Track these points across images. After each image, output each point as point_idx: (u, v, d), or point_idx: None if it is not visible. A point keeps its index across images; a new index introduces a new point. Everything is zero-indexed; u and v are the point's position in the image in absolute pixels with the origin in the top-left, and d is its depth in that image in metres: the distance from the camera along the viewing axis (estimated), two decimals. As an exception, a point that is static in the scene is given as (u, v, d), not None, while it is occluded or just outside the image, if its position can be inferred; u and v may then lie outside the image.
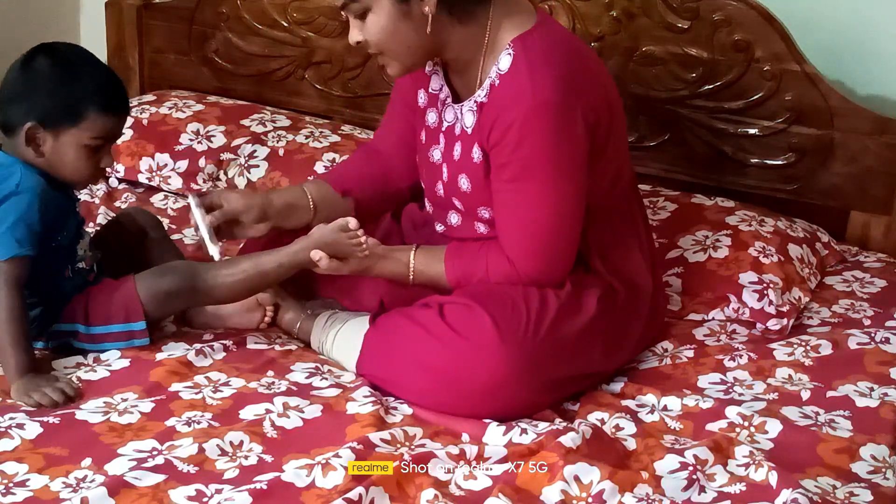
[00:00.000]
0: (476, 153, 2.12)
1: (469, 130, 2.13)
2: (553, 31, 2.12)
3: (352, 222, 2.14)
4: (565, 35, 2.17)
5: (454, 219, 2.25)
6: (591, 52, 2.18)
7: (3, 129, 2.10)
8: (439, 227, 2.29)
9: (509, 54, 2.05)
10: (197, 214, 2.16)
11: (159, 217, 2.55)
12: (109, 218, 2.64)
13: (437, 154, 2.22)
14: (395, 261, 2.18)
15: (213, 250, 2.14)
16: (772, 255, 2.48)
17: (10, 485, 1.77)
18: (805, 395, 2.12)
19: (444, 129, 2.20)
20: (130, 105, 2.21)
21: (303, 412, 2.00)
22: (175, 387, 2.05)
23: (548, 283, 2.11)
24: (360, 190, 2.34)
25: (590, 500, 1.79)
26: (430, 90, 2.23)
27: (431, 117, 2.23)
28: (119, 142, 2.92)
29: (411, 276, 2.18)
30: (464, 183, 2.16)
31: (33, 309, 2.09)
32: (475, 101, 2.11)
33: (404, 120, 2.32)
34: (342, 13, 2.09)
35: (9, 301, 2.01)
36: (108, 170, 2.18)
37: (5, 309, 2.00)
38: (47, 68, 2.06)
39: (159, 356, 2.13)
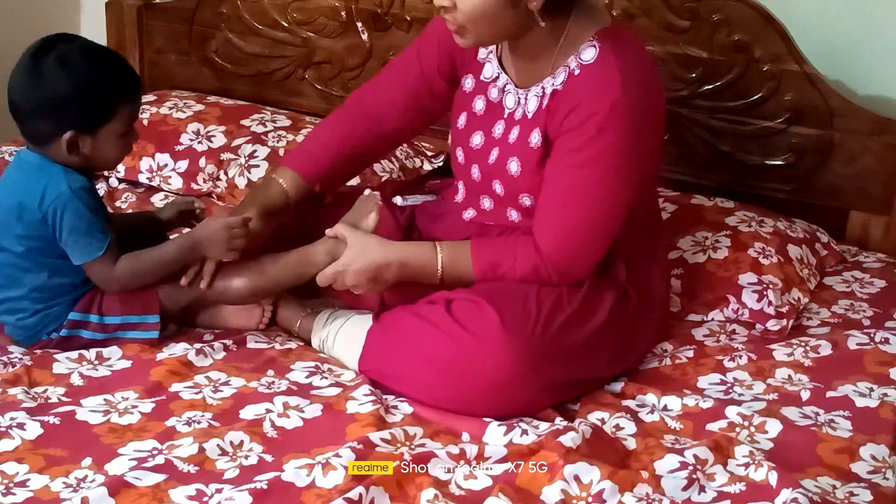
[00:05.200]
0: (535, 138, 2.12)
1: (530, 115, 2.13)
2: (631, 34, 2.14)
3: (366, 192, 2.27)
4: (639, 38, 2.18)
5: (487, 204, 2.25)
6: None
7: (34, 140, 2.14)
8: (467, 214, 2.29)
9: (594, 46, 2.06)
10: None
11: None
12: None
13: (477, 139, 2.22)
14: (421, 255, 2.16)
15: None
16: (771, 256, 2.48)
17: (11, 485, 1.77)
18: (805, 395, 2.12)
19: (505, 115, 2.19)
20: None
21: (303, 412, 2.00)
22: (175, 387, 2.05)
23: (570, 277, 2.11)
24: (333, 175, 2.38)
25: (590, 499, 1.79)
26: (481, 77, 2.22)
27: (479, 104, 2.23)
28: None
29: (440, 272, 2.15)
30: (513, 166, 2.15)
31: (56, 303, 2.15)
32: (543, 88, 2.11)
33: (415, 90, 2.32)
34: None
35: (130, 267, 2.13)
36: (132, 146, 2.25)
37: (141, 270, 2.14)
38: (64, 77, 2.07)
39: (160, 356, 2.13)
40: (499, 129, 2.20)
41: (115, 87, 2.12)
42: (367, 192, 2.28)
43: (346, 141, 2.36)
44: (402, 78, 2.36)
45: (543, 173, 2.11)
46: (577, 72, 2.07)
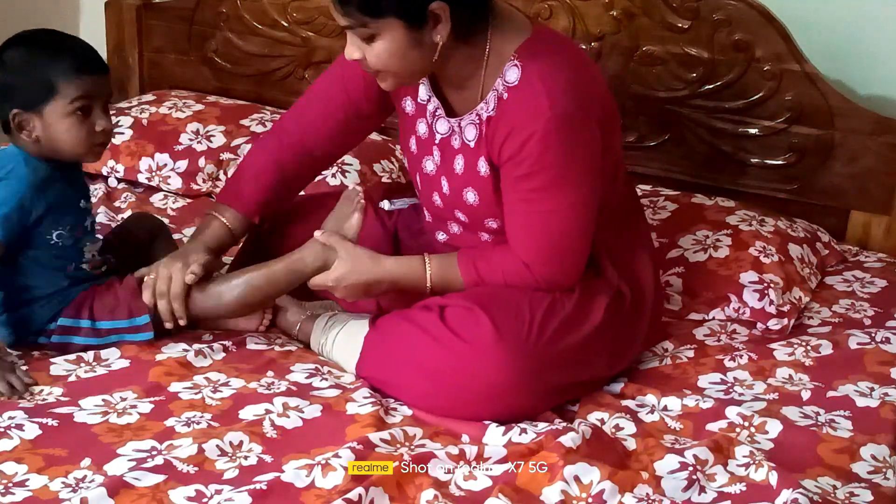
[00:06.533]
0: (483, 167, 2.09)
1: (472, 144, 2.10)
2: (553, 38, 2.11)
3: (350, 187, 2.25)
4: (563, 39, 2.15)
5: (455, 228, 2.23)
6: (582, 50, 2.18)
7: (4, 128, 2.13)
8: (441, 237, 2.27)
9: (516, 66, 2.02)
10: None
11: (160, 217, 2.56)
12: (112, 219, 2.66)
13: (430, 165, 2.19)
14: (411, 271, 2.15)
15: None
16: (772, 255, 2.48)
17: (10, 485, 1.76)
18: (805, 395, 2.12)
19: (437, 141, 2.16)
20: (106, 64, 2.17)
21: (302, 412, 1.99)
22: (174, 387, 2.05)
23: (562, 285, 2.10)
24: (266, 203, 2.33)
25: (590, 500, 1.78)
26: (418, 100, 2.18)
27: (422, 128, 2.19)
28: (118, 141, 2.93)
29: (429, 286, 2.14)
30: (470, 196, 2.13)
31: (32, 304, 2.12)
32: (478, 115, 2.08)
33: (343, 116, 2.27)
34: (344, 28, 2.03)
35: None
36: (105, 132, 2.13)
37: None
38: (15, 55, 2.10)
39: (159, 356, 2.13)
40: (437, 154, 2.17)
41: (55, 59, 2.07)
42: (350, 186, 2.24)
43: (277, 172, 2.30)
44: (326, 108, 2.29)
45: (502, 198, 2.10)
46: (505, 96, 2.03)
